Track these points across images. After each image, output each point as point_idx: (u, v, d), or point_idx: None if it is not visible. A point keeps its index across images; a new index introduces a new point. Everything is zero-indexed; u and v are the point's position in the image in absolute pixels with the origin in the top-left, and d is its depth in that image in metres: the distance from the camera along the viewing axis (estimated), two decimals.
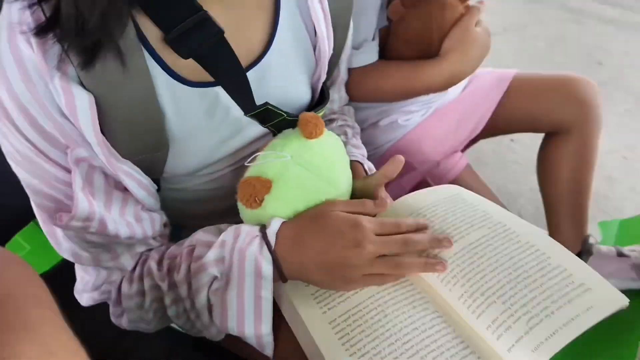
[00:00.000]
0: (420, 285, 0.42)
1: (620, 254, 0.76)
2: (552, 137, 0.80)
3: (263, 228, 0.42)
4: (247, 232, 0.41)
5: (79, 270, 0.45)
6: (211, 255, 0.40)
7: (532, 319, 0.36)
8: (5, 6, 0.33)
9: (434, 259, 0.42)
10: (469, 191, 0.49)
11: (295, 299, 0.42)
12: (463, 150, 0.89)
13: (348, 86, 0.65)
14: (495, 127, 0.83)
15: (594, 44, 2.10)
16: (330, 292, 0.42)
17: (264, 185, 0.42)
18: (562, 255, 0.40)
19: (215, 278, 0.41)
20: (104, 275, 0.43)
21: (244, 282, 0.39)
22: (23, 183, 0.38)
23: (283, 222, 0.42)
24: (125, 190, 0.41)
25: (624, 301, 0.36)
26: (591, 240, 0.79)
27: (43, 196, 0.38)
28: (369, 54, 0.65)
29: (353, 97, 0.67)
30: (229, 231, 0.42)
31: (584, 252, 0.78)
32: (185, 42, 0.37)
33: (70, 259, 0.42)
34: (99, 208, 0.38)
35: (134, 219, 0.42)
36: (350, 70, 0.65)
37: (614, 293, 0.37)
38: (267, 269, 0.39)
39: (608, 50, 2.05)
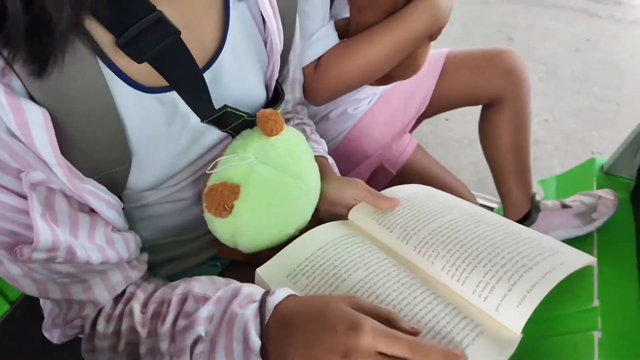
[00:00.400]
0: (405, 264, 0.43)
1: (564, 206, 0.83)
2: (489, 108, 0.85)
3: (266, 294, 0.36)
4: (247, 294, 0.36)
5: (47, 304, 0.40)
6: (204, 311, 0.36)
7: (512, 276, 0.38)
8: None
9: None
10: (439, 190, 0.51)
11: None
12: (410, 132, 0.92)
13: (328, 80, 0.63)
14: (436, 105, 0.86)
15: (503, 22, 2.28)
16: (320, 283, 0.41)
17: (232, 191, 0.39)
18: (530, 232, 0.43)
19: (199, 338, 0.36)
20: (76, 309, 0.39)
21: (233, 350, 0.34)
22: None
23: (290, 295, 0.36)
24: (91, 212, 0.37)
25: (589, 259, 0.39)
26: (538, 198, 0.86)
27: None
28: (331, 36, 0.63)
29: (337, 87, 0.64)
30: (228, 289, 0.37)
31: (533, 209, 0.84)
32: (139, 45, 0.34)
33: (36, 295, 0.37)
34: (64, 235, 0.34)
35: (105, 242, 0.38)
36: (321, 59, 0.62)
37: (582, 254, 0.40)
38: (255, 341, 0.33)
39: (515, 26, 2.24)
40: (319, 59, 0.63)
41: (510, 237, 0.42)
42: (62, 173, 0.32)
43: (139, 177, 0.40)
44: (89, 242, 0.36)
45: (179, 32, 0.36)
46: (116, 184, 0.39)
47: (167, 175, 0.42)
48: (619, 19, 2.23)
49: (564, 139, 1.58)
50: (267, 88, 0.50)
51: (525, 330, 0.83)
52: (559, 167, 1.46)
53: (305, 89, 0.64)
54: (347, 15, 0.67)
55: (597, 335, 0.65)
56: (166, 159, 0.41)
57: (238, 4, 0.43)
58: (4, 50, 0.27)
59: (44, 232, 0.32)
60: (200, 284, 0.39)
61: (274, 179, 0.41)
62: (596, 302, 0.70)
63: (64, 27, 0.28)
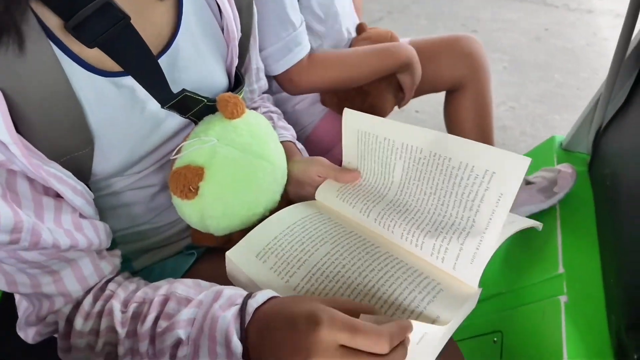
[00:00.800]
0: (368, 235, 0.45)
1: (528, 182, 0.87)
2: (452, 94, 0.89)
3: (248, 297, 0.36)
4: (228, 296, 0.36)
5: (22, 303, 0.40)
6: (185, 314, 0.36)
7: (460, 234, 0.39)
8: None
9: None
10: (366, 119, 0.48)
11: (255, 277, 0.41)
12: None
13: (314, 76, 0.70)
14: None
15: (467, 15, 2.36)
16: (289, 259, 0.42)
17: (196, 173, 0.40)
18: (458, 150, 0.40)
19: (180, 341, 0.35)
20: (47, 305, 0.38)
21: (216, 354, 0.34)
22: None
23: (272, 298, 0.35)
24: (57, 196, 0.37)
25: (524, 161, 0.35)
26: None
27: None
28: (305, 41, 0.69)
29: (317, 84, 0.73)
30: (210, 292, 0.37)
31: None
32: (88, 29, 0.35)
33: (5, 289, 0.36)
34: (28, 217, 0.33)
35: (73, 227, 0.37)
36: (316, 56, 0.70)
37: (512, 159, 0.36)
38: (237, 345, 0.33)
39: (479, 19, 2.32)
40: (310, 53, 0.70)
41: (445, 173, 0.40)
42: (20, 153, 0.32)
43: (103, 161, 0.40)
44: (55, 226, 0.36)
45: (129, 17, 0.37)
46: (81, 170, 0.39)
47: (130, 161, 0.43)
48: (574, 9, 2.34)
49: (529, 123, 1.65)
50: (228, 75, 0.51)
51: (497, 301, 0.86)
52: (524, 151, 1.51)
53: (289, 78, 0.69)
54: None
55: (563, 299, 0.69)
56: (128, 144, 0.42)
57: None
58: None
59: (5, 212, 0.32)
60: (184, 286, 0.39)
61: (238, 159, 0.42)
62: (561, 269, 0.74)
63: None
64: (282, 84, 0.71)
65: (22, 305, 0.40)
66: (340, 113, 0.81)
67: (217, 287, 0.38)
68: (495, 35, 2.15)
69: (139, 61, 0.39)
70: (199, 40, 0.46)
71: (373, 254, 0.42)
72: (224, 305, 0.35)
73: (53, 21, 0.34)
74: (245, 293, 0.37)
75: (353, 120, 0.49)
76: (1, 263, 0.35)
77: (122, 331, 0.37)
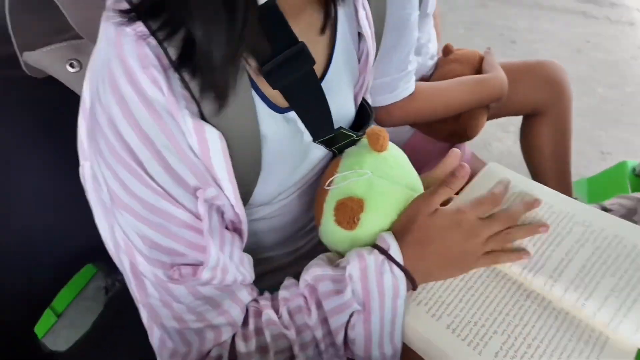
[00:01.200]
0: (517, 283, 0.44)
1: (604, 209, 0.87)
2: (530, 118, 0.89)
3: (382, 251, 0.41)
4: (373, 260, 0.40)
5: (169, 348, 0.39)
6: (349, 293, 0.39)
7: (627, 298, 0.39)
8: (111, 35, 0.30)
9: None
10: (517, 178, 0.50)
11: (411, 320, 0.42)
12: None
13: (411, 111, 0.71)
14: None
15: (504, 25, 2.34)
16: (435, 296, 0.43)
17: (359, 205, 0.42)
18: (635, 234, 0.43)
19: (352, 313, 0.40)
20: (211, 337, 0.39)
21: (384, 309, 0.40)
22: (126, 239, 0.34)
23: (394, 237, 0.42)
24: (232, 230, 0.39)
25: None
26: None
27: (160, 250, 0.34)
28: (412, 80, 0.71)
29: (415, 117, 0.74)
30: (353, 263, 0.40)
31: None
32: (279, 73, 0.36)
33: (174, 325, 0.37)
34: (223, 253, 0.35)
35: (240, 261, 0.39)
36: (416, 92, 0.71)
37: None
38: (404, 289, 0.40)
39: (516, 29, 2.30)
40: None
41: (615, 250, 0.43)
42: (232, 189, 0.34)
43: (260, 193, 0.42)
44: (238, 261, 0.38)
45: (314, 62, 0.38)
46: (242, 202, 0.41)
47: (280, 190, 0.45)
48: (616, 21, 2.31)
49: (574, 139, 1.64)
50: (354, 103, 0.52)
51: None
52: (575, 169, 1.51)
53: (387, 111, 0.69)
54: None
55: None
56: (283, 174, 0.43)
57: (342, 24, 0.45)
58: (192, 82, 0.30)
59: (214, 250, 0.34)
60: (314, 268, 0.41)
61: (392, 190, 0.44)
62: None
63: (226, 59, 0.30)
64: (378, 115, 0.72)
65: (166, 351, 0.39)
66: (429, 134, 0.82)
67: (352, 254, 0.41)
68: (535, 46, 2.14)
69: (312, 101, 0.41)
70: (342, 73, 0.47)
71: (532, 302, 0.41)
72: (376, 269, 0.39)
73: (251, 64, 0.36)
74: (374, 250, 0.41)
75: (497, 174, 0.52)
76: (173, 302, 0.36)
77: (291, 332, 0.39)
